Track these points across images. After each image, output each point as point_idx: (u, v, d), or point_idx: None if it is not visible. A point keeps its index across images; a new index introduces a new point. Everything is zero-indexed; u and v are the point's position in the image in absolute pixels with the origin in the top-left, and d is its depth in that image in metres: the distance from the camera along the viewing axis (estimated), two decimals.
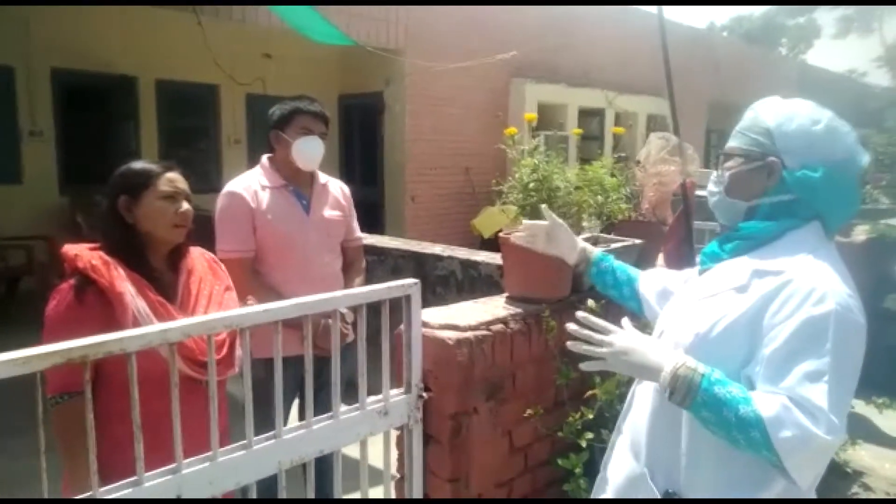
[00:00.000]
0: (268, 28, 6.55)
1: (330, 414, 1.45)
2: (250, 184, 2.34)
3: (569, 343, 1.31)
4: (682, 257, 2.39)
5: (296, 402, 2.41)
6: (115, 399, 1.44)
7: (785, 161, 1.24)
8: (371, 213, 7.98)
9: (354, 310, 1.50)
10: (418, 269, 3.76)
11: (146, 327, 1.21)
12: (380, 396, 1.55)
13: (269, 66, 8.16)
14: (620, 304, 1.69)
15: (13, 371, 1.00)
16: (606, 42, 10.14)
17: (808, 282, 1.14)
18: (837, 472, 3.14)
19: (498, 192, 2.15)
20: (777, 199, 1.26)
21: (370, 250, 3.74)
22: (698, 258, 1.42)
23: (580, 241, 1.74)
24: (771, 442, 1.05)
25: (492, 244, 6.68)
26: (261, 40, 7.86)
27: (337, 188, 2.56)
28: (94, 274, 1.51)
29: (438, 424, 1.74)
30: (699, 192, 2.40)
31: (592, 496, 1.51)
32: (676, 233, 2.56)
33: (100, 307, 1.50)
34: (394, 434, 1.66)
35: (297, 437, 1.38)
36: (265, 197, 2.33)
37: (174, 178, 1.69)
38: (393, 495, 1.77)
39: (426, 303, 1.68)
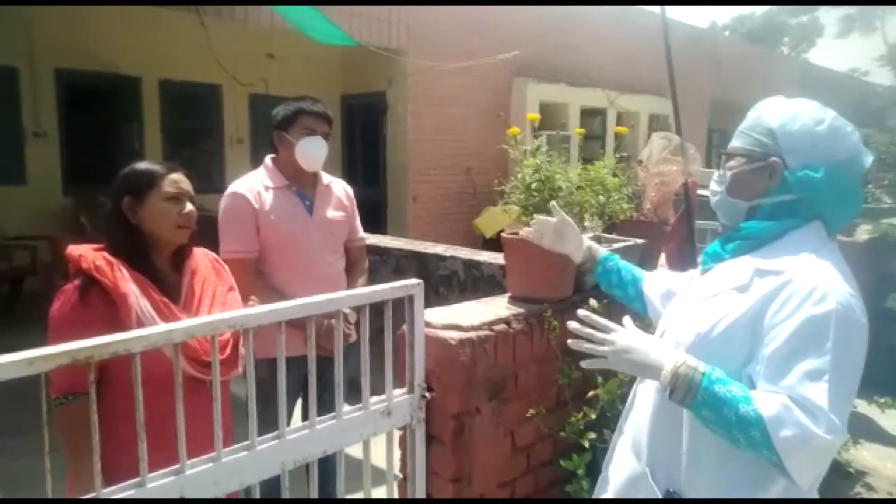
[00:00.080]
0: (270, 28, 6.56)
1: (333, 414, 1.45)
2: (254, 184, 2.35)
3: (570, 341, 1.32)
4: (684, 257, 2.39)
5: (299, 403, 2.42)
6: (119, 399, 1.44)
7: (787, 161, 1.24)
8: (373, 213, 7.98)
9: (357, 310, 1.51)
10: (421, 270, 3.76)
11: (150, 328, 1.22)
12: (383, 397, 1.56)
13: (272, 67, 8.17)
14: (624, 305, 1.69)
15: (19, 372, 1.00)
16: (608, 41, 10.13)
17: (809, 281, 1.14)
18: (840, 472, 3.14)
19: (500, 192, 2.15)
20: (779, 199, 1.26)
21: (373, 250, 3.74)
22: (700, 258, 1.42)
23: (586, 240, 1.75)
24: (771, 441, 1.06)
25: (494, 244, 6.68)
26: (263, 40, 7.87)
27: (340, 188, 2.57)
28: (98, 275, 1.51)
29: (441, 424, 1.74)
30: (701, 192, 2.39)
31: (594, 496, 1.51)
32: (678, 233, 2.56)
33: (104, 308, 1.50)
34: (397, 434, 1.66)
35: (300, 437, 1.39)
36: (268, 197, 2.34)
37: (178, 179, 1.69)
38: (396, 495, 1.78)
39: (429, 303, 1.68)
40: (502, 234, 2.12)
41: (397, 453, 1.71)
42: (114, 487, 1.14)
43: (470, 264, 3.54)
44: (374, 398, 1.54)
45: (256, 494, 1.34)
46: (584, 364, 1.32)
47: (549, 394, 2.02)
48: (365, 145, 9.03)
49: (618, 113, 10.37)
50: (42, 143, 7.07)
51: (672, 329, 1.33)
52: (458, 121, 8.55)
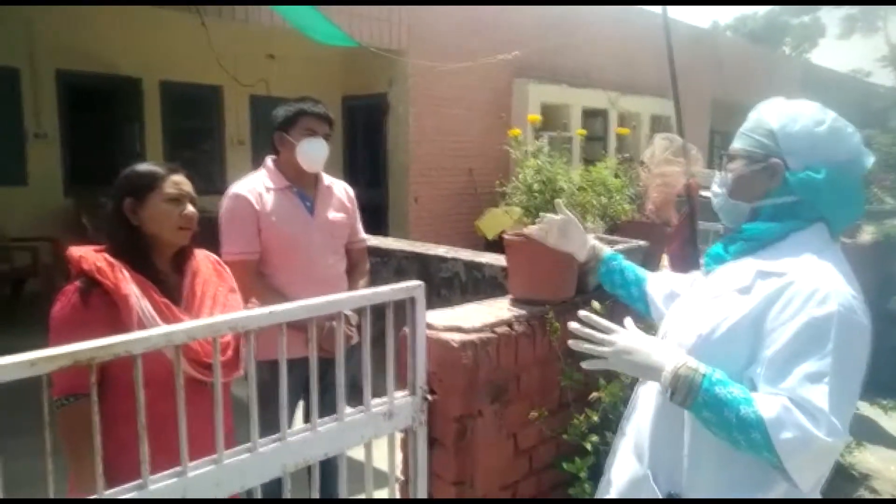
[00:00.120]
0: (271, 29, 6.57)
1: (334, 416, 1.45)
2: (255, 186, 2.35)
3: (570, 341, 1.32)
4: (686, 258, 2.38)
5: (301, 405, 2.41)
6: (120, 401, 1.44)
7: (788, 162, 1.24)
8: (375, 215, 7.97)
9: (359, 312, 1.50)
10: (422, 271, 3.75)
11: (151, 330, 1.21)
12: (384, 399, 1.55)
13: (273, 68, 8.17)
14: (627, 305, 1.69)
15: (20, 373, 1.00)
16: (609, 42, 10.12)
17: (811, 283, 1.14)
18: (843, 474, 3.13)
19: (501, 193, 2.15)
20: (780, 201, 1.26)
21: (374, 252, 3.74)
22: (703, 260, 1.42)
23: (591, 239, 1.76)
24: (771, 443, 1.06)
25: (495, 246, 6.68)
26: (264, 41, 7.88)
27: (341, 190, 2.56)
28: (99, 276, 1.51)
29: (443, 427, 1.73)
30: (703, 193, 2.39)
31: (596, 498, 1.51)
32: (681, 234, 2.56)
33: (105, 309, 1.50)
34: (398, 436, 1.66)
35: (301, 439, 1.38)
36: (269, 199, 2.33)
37: (179, 181, 1.69)
38: (397, 497, 1.77)
39: (430, 305, 1.67)
40: (504, 236, 2.12)
41: (399, 456, 1.70)
42: (115, 489, 1.14)
43: (472, 266, 3.53)
44: (376, 400, 1.53)
45: (258, 496, 1.33)
46: (584, 365, 1.32)
47: (552, 396, 2.01)
48: (366, 146, 9.03)
49: (619, 114, 10.36)
50: (43, 144, 7.07)
51: (674, 331, 1.33)
52: (459, 122, 8.55)
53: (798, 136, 1.23)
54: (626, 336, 1.27)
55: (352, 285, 2.49)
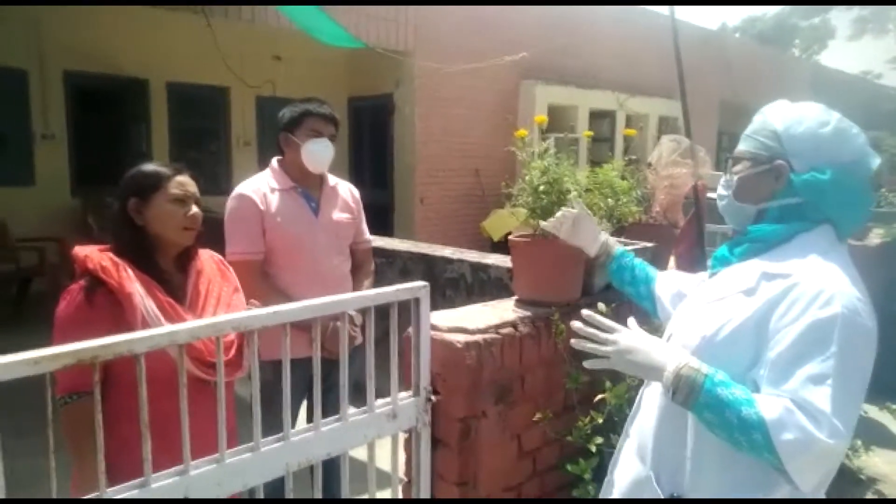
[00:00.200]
0: (277, 30, 6.58)
1: (337, 416, 1.44)
2: (259, 186, 2.35)
3: (573, 341, 1.32)
4: (693, 260, 2.37)
5: (304, 405, 2.41)
6: (123, 399, 1.44)
7: (793, 164, 1.24)
8: (381, 216, 7.98)
9: (363, 312, 1.50)
10: (428, 272, 3.75)
11: (155, 329, 1.22)
12: (388, 399, 1.55)
13: (279, 69, 8.19)
14: (635, 303, 1.69)
15: (24, 371, 1.00)
16: (616, 43, 10.10)
17: (816, 284, 1.13)
18: (851, 478, 3.11)
19: (507, 194, 2.14)
20: (785, 202, 1.26)
21: (379, 252, 3.73)
22: (709, 261, 1.42)
23: (603, 235, 1.77)
24: (773, 444, 1.05)
25: (502, 247, 6.67)
26: (270, 42, 7.90)
27: (346, 190, 2.56)
28: (103, 275, 1.52)
29: (447, 427, 1.73)
30: (711, 195, 2.38)
31: (599, 499, 1.50)
32: (688, 236, 2.55)
33: (109, 308, 1.51)
34: (402, 437, 1.65)
35: (304, 439, 1.38)
36: (274, 199, 2.33)
37: (184, 182, 1.69)
38: (400, 498, 1.76)
39: (435, 305, 1.67)
40: (510, 237, 2.11)
41: (402, 456, 1.70)
42: (117, 487, 1.14)
43: (477, 267, 3.52)
44: (380, 401, 1.53)
45: (260, 496, 1.33)
46: (586, 364, 1.33)
47: (556, 398, 2.00)
48: (372, 147, 9.04)
49: (627, 115, 10.33)
50: (50, 144, 7.12)
51: (679, 332, 1.33)
52: (465, 122, 8.55)
53: (802, 138, 1.23)
54: (628, 336, 1.28)
55: (356, 286, 2.48)
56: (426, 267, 3.77)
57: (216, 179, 7.84)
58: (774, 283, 1.18)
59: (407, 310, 1.56)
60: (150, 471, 1.16)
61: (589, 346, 1.29)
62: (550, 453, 2.00)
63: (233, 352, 1.63)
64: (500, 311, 1.96)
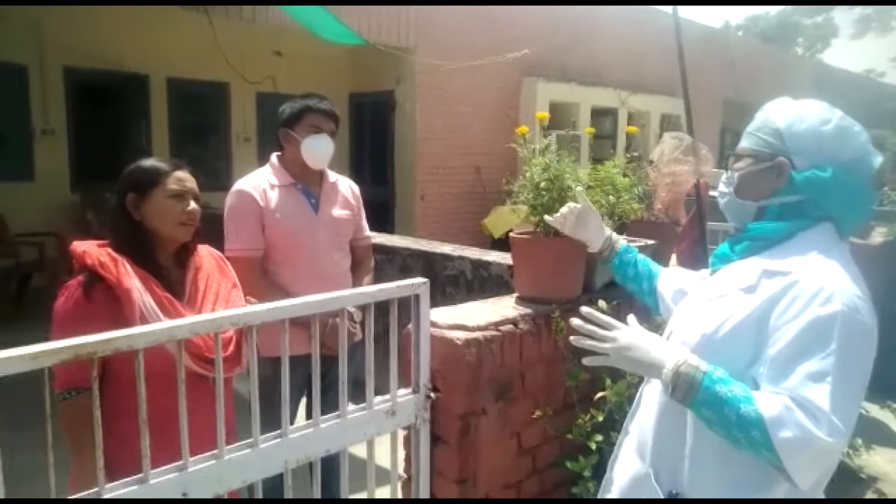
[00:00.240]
0: (278, 26, 6.57)
1: (337, 413, 1.44)
2: (259, 182, 2.34)
3: (572, 338, 1.33)
4: (695, 258, 2.37)
5: (304, 402, 2.41)
6: (122, 395, 1.44)
7: (794, 161, 1.24)
8: (381, 212, 7.97)
9: (362, 309, 1.50)
10: (428, 269, 3.74)
11: (154, 324, 1.21)
12: (387, 396, 1.54)
13: (280, 65, 8.18)
14: (637, 300, 1.69)
15: (23, 366, 1.00)
16: (619, 41, 10.08)
17: (816, 282, 1.13)
18: (852, 476, 3.10)
19: (508, 191, 2.13)
20: (786, 200, 1.26)
21: (379, 249, 3.73)
22: (710, 259, 1.41)
23: (607, 230, 1.77)
24: (771, 442, 1.05)
25: (502, 244, 6.66)
26: (271, 38, 7.88)
27: (346, 187, 2.56)
28: (101, 270, 1.51)
29: (446, 425, 1.72)
30: (713, 193, 2.37)
31: (599, 496, 1.50)
32: (690, 233, 2.54)
33: (107, 303, 1.50)
34: (401, 434, 1.65)
35: (303, 436, 1.38)
36: (274, 195, 2.33)
37: (182, 177, 1.69)
38: (399, 496, 1.76)
39: (436, 302, 1.66)
40: (510, 234, 2.10)
41: (402, 453, 1.69)
42: (116, 483, 1.14)
43: (478, 264, 3.52)
44: (379, 398, 1.53)
45: (259, 492, 1.33)
46: (585, 361, 1.33)
47: (557, 395, 2.00)
48: (373, 144, 9.02)
49: (629, 113, 10.32)
50: (50, 140, 7.11)
51: (679, 329, 1.33)
52: (467, 120, 8.53)
53: (804, 135, 1.23)
54: (627, 333, 1.28)
55: (356, 282, 2.48)
56: (426, 264, 3.77)
57: (216, 175, 7.82)
58: (775, 281, 1.18)
59: (407, 307, 1.56)
60: (148, 467, 1.15)
61: (588, 343, 1.29)
62: (550, 451, 2.00)
63: (231, 348, 1.63)
64: (501, 309, 1.95)
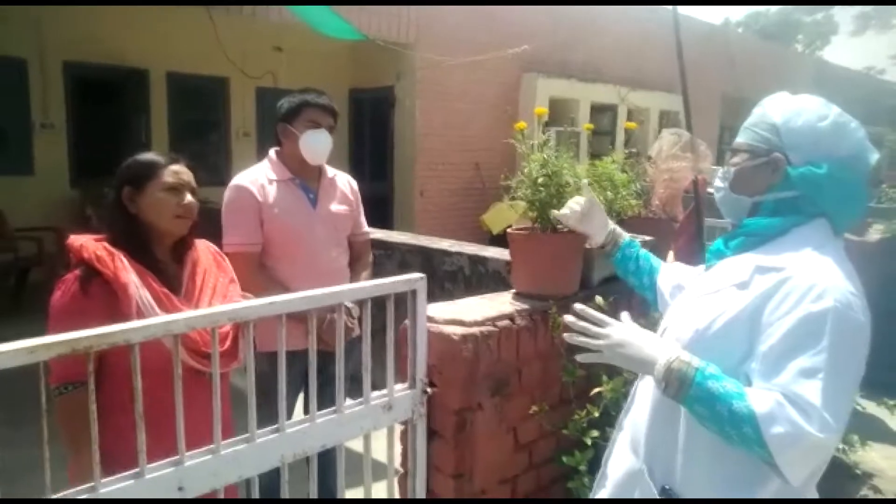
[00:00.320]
0: (279, 22, 6.55)
1: (333, 408, 1.44)
2: (257, 177, 2.34)
3: (566, 334, 1.32)
4: (692, 254, 2.37)
5: (301, 397, 2.41)
6: (118, 389, 1.44)
7: (790, 157, 1.24)
8: (380, 208, 7.97)
9: (360, 304, 1.50)
10: (426, 264, 3.74)
11: (150, 319, 1.21)
12: (384, 391, 1.55)
13: (280, 60, 8.16)
14: (636, 295, 1.70)
15: (19, 360, 1.00)
16: (619, 37, 10.06)
17: (809, 278, 1.13)
18: (847, 473, 3.11)
19: (507, 187, 2.13)
20: (781, 196, 1.26)
21: (378, 245, 3.73)
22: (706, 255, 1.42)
23: (611, 223, 1.78)
24: (763, 438, 1.05)
25: (501, 240, 6.65)
26: (271, 34, 7.86)
27: (345, 182, 2.55)
28: (98, 264, 1.51)
29: (443, 420, 1.73)
30: (711, 189, 2.37)
31: (593, 492, 1.51)
32: (687, 230, 2.54)
33: (104, 297, 1.50)
34: (398, 429, 1.65)
35: (300, 430, 1.38)
36: (272, 190, 2.32)
37: (179, 171, 1.68)
38: (396, 490, 1.77)
39: (434, 298, 1.67)
40: (508, 230, 2.10)
41: (398, 448, 1.70)
42: (113, 478, 1.14)
43: (476, 260, 3.52)
44: (376, 393, 1.53)
45: (255, 486, 1.33)
46: (579, 358, 1.33)
47: (553, 391, 2.00)
48: (373, 139, 9.02)
49: (628, 109, 10.31)
50: (50, 134, 7.10)
51: (673, 325, 1.34)
52: (466, 116, 8.52)
53: (801, 131, 1.23)
54: (620, 329, 1.28)
55: (354, 278, 2.48)
56: (425, 259, 3.77)
57: (215, 170, 7.82)
58: (768, 277, 1.18)
59: (404, 302, 1.56)
60: (144, 461, 1.16)
61: (581, 339, 1.29)
62: (546, 446, 2.01)
63: (228, 342, 1.63)
64: (498, 304, 1.95)
